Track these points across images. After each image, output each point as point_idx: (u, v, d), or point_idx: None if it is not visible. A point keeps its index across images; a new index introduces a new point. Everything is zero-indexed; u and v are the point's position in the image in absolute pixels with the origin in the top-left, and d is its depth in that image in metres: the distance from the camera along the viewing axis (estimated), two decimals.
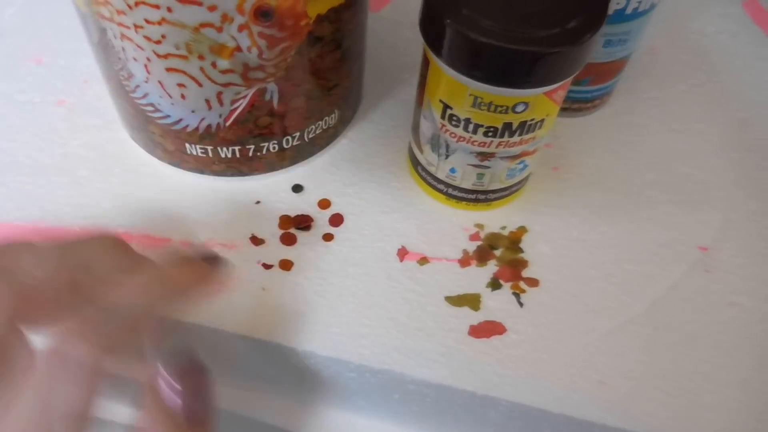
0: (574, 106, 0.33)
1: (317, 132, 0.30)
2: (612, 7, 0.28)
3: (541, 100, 0.24)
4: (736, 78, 0.36)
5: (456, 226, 0.30)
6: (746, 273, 0.29)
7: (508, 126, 0.25)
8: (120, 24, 0.24)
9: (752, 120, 0.34)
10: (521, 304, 0.27)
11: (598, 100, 0.33)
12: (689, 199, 0.31)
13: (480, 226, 0.30)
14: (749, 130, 0.34)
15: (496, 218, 0.30)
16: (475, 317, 0.27)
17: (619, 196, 0.31)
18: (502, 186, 0.29)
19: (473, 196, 0.29)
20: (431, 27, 0.24)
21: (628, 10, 0.28)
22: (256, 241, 0.29)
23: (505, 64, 0.23)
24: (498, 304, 0.27)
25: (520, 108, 0.24)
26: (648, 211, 0.31)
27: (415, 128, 0.29)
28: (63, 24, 0.37)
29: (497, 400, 0.25)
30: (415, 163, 0.30)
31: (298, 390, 0.30)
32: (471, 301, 0.27)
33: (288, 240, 0.29)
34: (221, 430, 0.33)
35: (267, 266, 0.28)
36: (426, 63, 0.26)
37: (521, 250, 0.29)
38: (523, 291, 0.28)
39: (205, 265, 0.22)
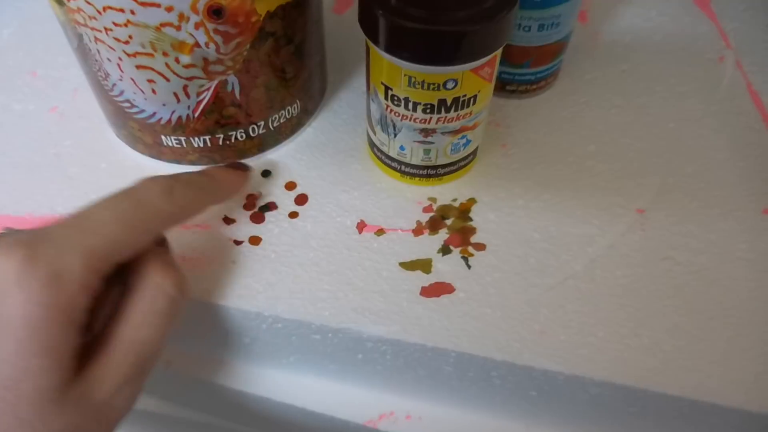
0: (520, 88, 0.36)
1: (281, 121, 0.33)
2: None
3: (468, 77, 0.27)
4: (677, 56, 0.39)
5: (411, 200, 0.32)
6: (680, 230, 0.31)
7: (443, 102, 0.28)
8: (93, 28, 0.27)
9: (690, 93, 0.37)
10: (469, 267, 0.30)
11: (543, 81, 0.36)
12: (629, 166, 0.34)
13: (433, 199, 0.32)
14: (687, 102, 0.36)
15: (448, 192, 0.33)
16: (427, 279, 0.30)
17: (562, 167, 0.34)
18: (449, 161, 0.31)
19: (424, 172, 0.32)
20: (367, 19, 0.27)
21: None
22: (227, 221, 0.32)
23: (430, 45, 0.25)
24: (448, 267, 0.30)
25: (450, 85, 0.27)
26: (589, 180, 0.33)
27: (368, 112, 0.32)
28: (55, 41, 0.41)
29: (446, 352, 0.28)
30: (372, 144, 0.33)
31: (272, 358, 0.32)
32: (423, 265, 0.30)
33: (257, 219, 0.32)
34: (197, 401, 0.35)
35: (238, 242, 0.31)
36: (368, 51, 0.29)
37: (470, 219, 0.32)
38: (471, 255, 0.30)
39: (238, 170, 0.30)
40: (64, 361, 0.21)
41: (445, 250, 0.31)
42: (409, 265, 0.30)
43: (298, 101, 0.33)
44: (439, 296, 0.29)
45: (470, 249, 0.31)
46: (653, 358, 0.27)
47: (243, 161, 0.32)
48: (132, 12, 0.25)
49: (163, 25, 0.26)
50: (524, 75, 0.35)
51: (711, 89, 0.37)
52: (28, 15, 0.43)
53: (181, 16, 0.26)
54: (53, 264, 0.21)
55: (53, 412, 0.21)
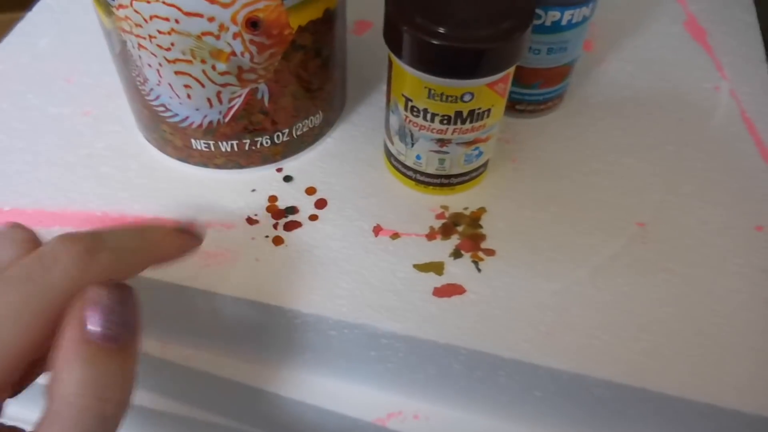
0: (529, 108, 0.38)
1: (304, 130, 0.35)
2: (549, 19, 0.33)
3: (484, 91, 0.29)
4: (676, 85, 0.41)
5: (424, 208, 0.34)
6: (678, 244, 0.33)
7: (459, 114, 0.30)
8: (137, 35, 0.29)
9: (688, 119, 0.39)
10: (479, 270, 0.32)
11: (551, 102, 0.38)
12: (630, 183, 0.36)
13: (445, 207, 0.34)
14: (685, 128, 0.39)
15: (460, 201, 0.35)
16: (439, 281, 0.31)
17: (568, 182, 0.36)
18: (462, 171, 0.33)
19: (438, 181, 0.34)
20: (392, 34, 0.29)
21: (564, 22, 0.33)
22: (251, 221, 0.33)
23: (450, 59, 0.28)
24: (459, 270, 0.32)
25: (467, 98, 0.29)
26: (593, 194, 0.35)
27: (387, 123, 0.34)
28: (90, 50, 0.43)
29: (458, 349, 0.29)
30: (389, 154, 0.35)
31: (287, 355, 0.34)
32: (436, 267, 0.32)
33: (279, 219, 0.33)
34: (206, 398, 0.37)
35: (260, 241, 0.32)
36: (390, 65, 0.31)
37: (481, 227, 0.33)
38: (482, 259, 0.32)
39: (182, 235, 0.24)
40: None
41: (456, 254, 0.32)
42: (423, 267, 0.32)
43: (320, 112, 0.35)
44: (450, 297, 0.31)
45: (480, 254, 0.32)
46: (653, 361, 0.29)
47: (200, 224, 0.26)
48: (176, 21, 0.28)
49: (204, 34, 0.28)
50: (534, 95, 0.37)
51: (708, 116, 0.39)
52: (65, 26, 0.45)
53: (221, 27, 0.28)
54: None
55: None
